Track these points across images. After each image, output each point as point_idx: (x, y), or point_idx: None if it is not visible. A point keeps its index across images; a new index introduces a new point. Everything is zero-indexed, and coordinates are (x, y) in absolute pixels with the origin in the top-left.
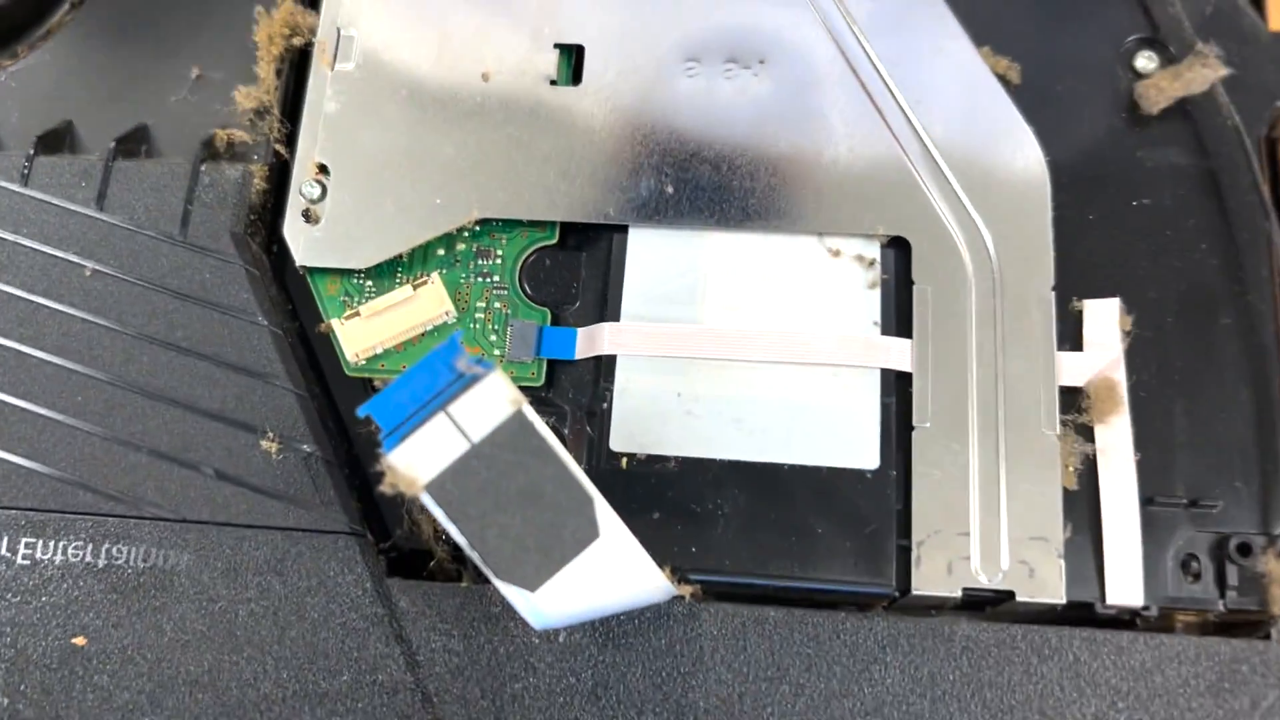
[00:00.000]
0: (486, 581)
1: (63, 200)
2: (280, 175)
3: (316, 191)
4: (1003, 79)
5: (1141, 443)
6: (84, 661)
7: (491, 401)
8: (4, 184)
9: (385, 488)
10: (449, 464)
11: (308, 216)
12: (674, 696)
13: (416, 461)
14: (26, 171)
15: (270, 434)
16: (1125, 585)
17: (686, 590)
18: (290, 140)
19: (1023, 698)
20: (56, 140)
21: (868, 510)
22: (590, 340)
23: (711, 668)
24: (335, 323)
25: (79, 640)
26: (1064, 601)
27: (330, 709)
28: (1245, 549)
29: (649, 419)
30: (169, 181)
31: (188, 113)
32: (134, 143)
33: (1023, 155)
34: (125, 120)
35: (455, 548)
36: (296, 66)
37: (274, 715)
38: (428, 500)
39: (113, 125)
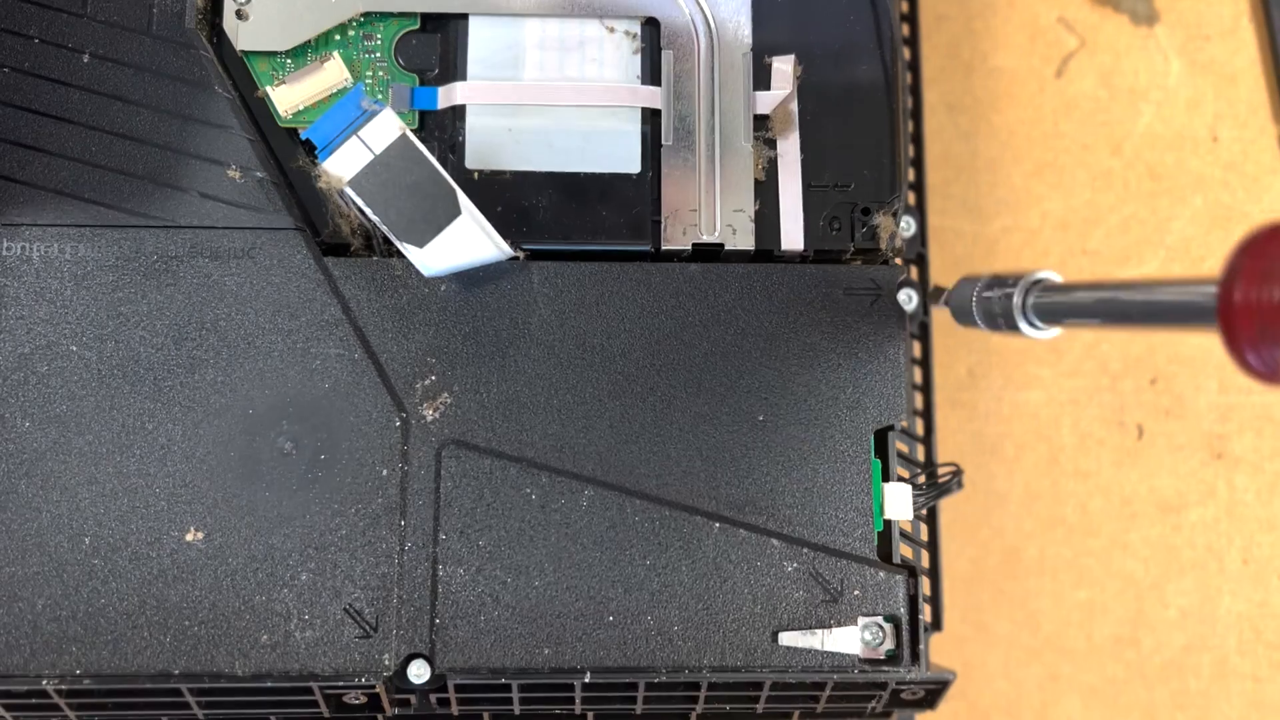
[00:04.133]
0: (390, 256)
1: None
2: None
3: None
4: None
5: (805, 148)
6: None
7: (385, 128)
8: None
9: (322, 185)
10: (361, 168)
11: (240, 15)
12: (516, 317)
13: (341, 167)
14: None
15: (233, 166)
16: (793, 237)
17: (520, 254)
18: None
19: (727, 302)
20: None
21: (634, 198)
22: (448, 95)
23: (539, 300)
24: (268, 89)
25: None
26: (754, 249)
27: (294, 339)
28: (867, 211)
29: (490, 147)
30: None
31: None
32: None
33: None
34: None
35: (366, 238)
36: None
37: (255, 346)
38: (350, 192)
39: None
